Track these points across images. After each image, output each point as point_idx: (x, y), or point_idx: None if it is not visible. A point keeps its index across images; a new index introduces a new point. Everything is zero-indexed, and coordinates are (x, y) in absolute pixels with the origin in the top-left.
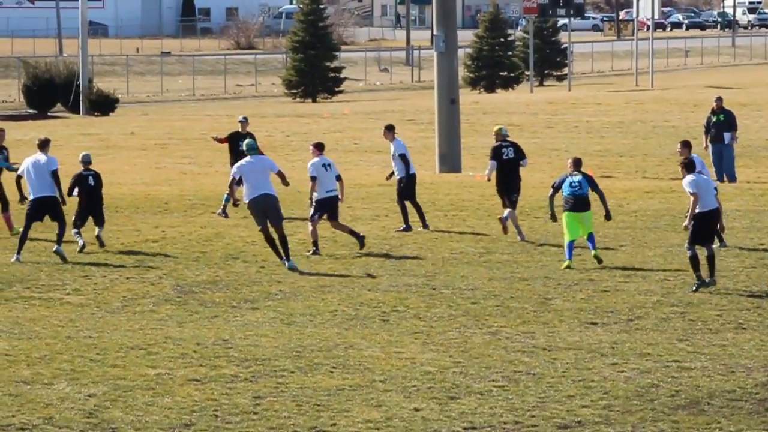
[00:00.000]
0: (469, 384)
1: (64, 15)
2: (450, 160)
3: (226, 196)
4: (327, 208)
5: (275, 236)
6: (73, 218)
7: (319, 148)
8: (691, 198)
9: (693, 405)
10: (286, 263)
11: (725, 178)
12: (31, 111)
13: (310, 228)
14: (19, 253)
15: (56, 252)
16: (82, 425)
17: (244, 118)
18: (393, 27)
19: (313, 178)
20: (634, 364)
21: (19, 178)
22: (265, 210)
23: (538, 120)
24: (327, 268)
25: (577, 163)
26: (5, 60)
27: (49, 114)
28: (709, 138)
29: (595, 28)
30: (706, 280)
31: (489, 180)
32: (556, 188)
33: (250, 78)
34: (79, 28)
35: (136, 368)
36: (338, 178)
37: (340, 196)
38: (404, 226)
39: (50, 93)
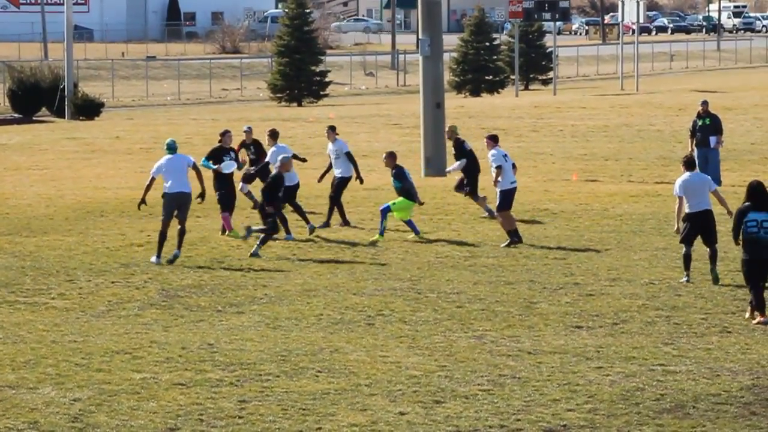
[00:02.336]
0: (454, 388)
1: (50, 19)
2: (435, 164)
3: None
4: (510, 199)
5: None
6: None
7: (494, 140)
8: (677, 200)
9: (678, 409)
10: (176, 252)
11: None
12: (16, 115)
13: (501, 219)
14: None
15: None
16: (67, 430)
17: (249, 127)
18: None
19: (499, 168)
20: (620, 368)
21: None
22: (180, 206)
23: (524, 124)
24: (312, 272)
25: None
26: None
27: (34, 118)
28: (694, 142)
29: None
30: (712, 275)
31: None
32: None
33: (235, 82)
34: (65, 33)
35: (121, 372)
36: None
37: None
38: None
39: (35, 97)
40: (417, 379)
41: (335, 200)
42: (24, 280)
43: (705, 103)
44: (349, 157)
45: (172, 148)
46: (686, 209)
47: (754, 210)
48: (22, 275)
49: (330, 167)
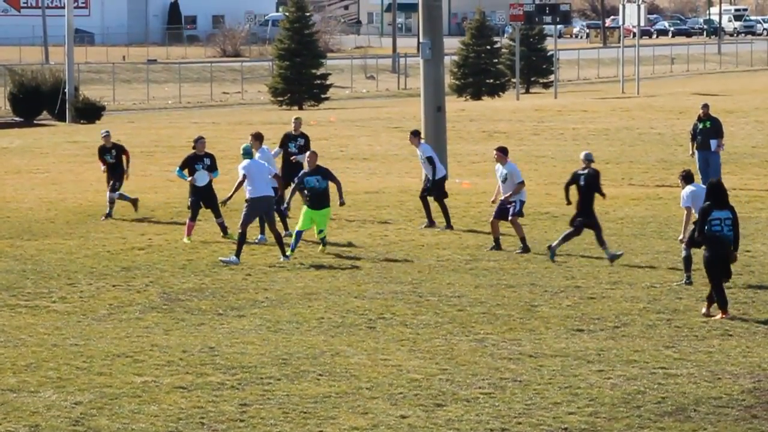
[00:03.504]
0: (455, 391)
1: (50, 23)
2: None
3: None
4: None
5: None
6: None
7: (506, 152)
8: (685, 211)
9: (679, 412)
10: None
11: None
12: (17, 119)
13: (516, 226)
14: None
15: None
16: None
17: (297, 119)
18: (379, 35)
19: (522, 183)
20: (621, 371)
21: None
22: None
23: (525, 127)
24: (313, 276)
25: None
26: None
27: (35, 122)
28: (695, 145)
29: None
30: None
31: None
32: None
33: (236, 85)
34: (66, 36)
35: (122, 376)
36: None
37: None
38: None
39: (36, 101)
40: (418, 383)
41: (432, 201)
42: (25, 283)
43: (706, 107)
44: (430, 161)
45: (248, 153)
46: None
47: (716, 209)
48: (24, 279)
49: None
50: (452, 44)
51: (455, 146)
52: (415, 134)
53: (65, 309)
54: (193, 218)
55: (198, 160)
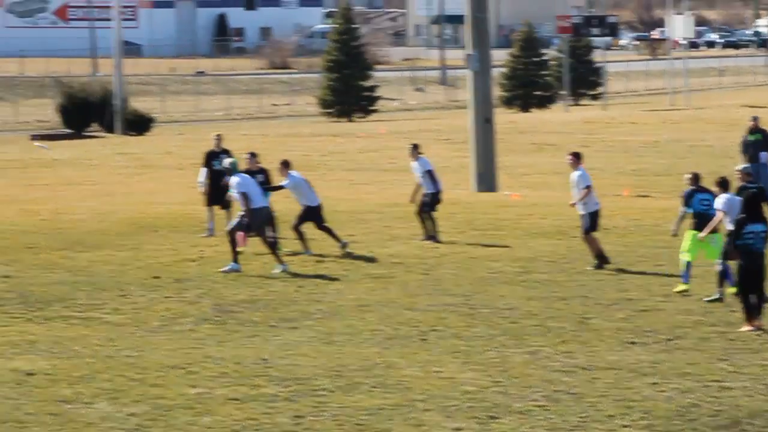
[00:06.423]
0: (509, 404)
1: (99, 35)
2: (486, 180)
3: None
4: (597, 221)
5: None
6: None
7: (579, 157)
8: (718, 214)
9: (734, 425)
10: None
11: None
12: (67, 130)
13: (588, 242)
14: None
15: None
16: None
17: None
18: (427, 46)
19: (589, 188)
20: (675, 384)
21: None
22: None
23: (574, 139)
24: (365, 288)
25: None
26: (41, 80)
27: (84, 133)
28: (746, 158)
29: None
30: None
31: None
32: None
33: (285, 97)
34: (114, 48)
35: (176, 387)
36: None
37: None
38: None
39: (85, 112)
40: (472, 395)
41: (421, 215)
42: (78, 295)
43: (755, 119)
44: (430, 175)
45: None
46: (727, 226)
47: (751, 222)
48: (76, 290)
49: (418, 186)
50: (500, 56)
51: (505, 158)
52: (415, 147)
53: (118, 320)
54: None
55: (251, 176)
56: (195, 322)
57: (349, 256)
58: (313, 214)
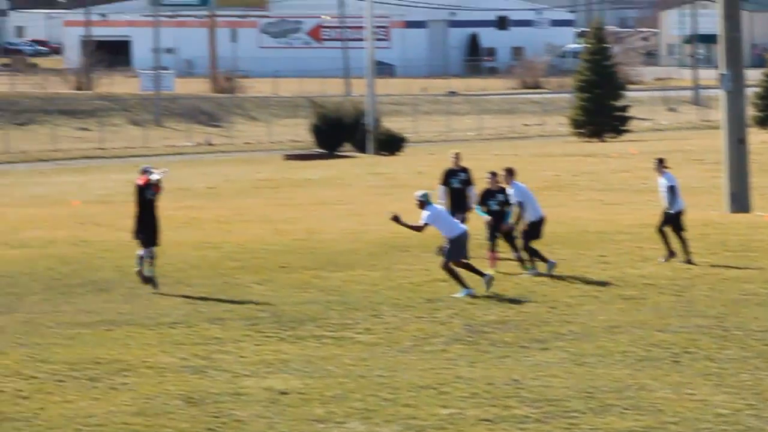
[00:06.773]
0: (762, 427)
1: (352, 55)
2: (739, 200)
3: None
4: None
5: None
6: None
7: None
8: None
9: None
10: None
11: None
12: (320, 150)
13: None
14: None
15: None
16: None
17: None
18: (679, 66)
19: None
20: None
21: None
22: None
23: None
24: (617, 309)
25: None
26: (294, 99)
27: (336, 153)
28: None
29: None
30: None
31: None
32: None
33: (536, 117)
34: (367, 68)
35: (428, 408)
36: None
37: None
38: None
39: (338, 132)
40: (725, 418)
41: (661, 231)
42: (330, 314)
43: None
44: (672, 191)
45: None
46: None
47: None
48: (328, 309)
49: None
50: (754, 76)
51: (759, 179)
52: (660, 162)
53: (370, 340)
54: (493, 249)
55: (490, 196)
56: (446, 342)
57: (550, 276)
58: (538, 228)
